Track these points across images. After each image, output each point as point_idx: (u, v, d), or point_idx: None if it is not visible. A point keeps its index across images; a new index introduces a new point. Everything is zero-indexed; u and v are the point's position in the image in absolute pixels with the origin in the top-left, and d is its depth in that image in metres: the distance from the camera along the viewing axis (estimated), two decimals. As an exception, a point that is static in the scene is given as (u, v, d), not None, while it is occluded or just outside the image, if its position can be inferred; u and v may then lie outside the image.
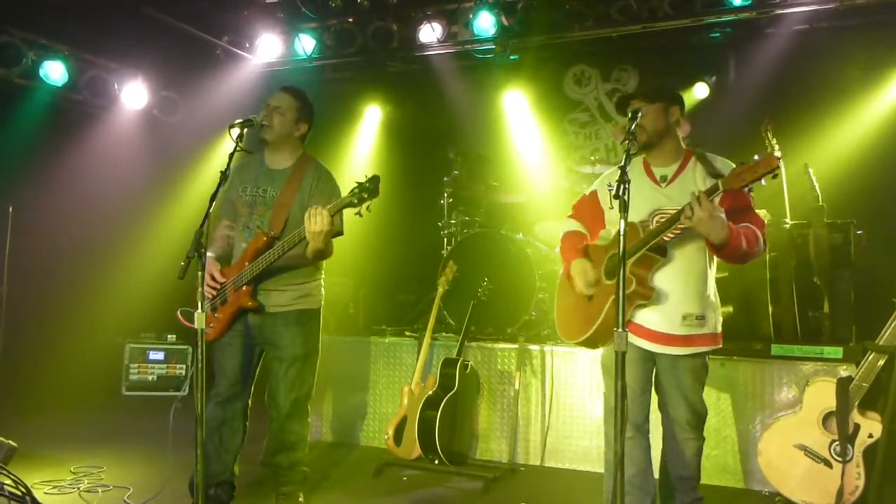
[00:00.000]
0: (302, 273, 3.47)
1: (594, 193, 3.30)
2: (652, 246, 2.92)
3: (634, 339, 3.05)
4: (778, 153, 4.61)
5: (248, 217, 3.48)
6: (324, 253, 3.35)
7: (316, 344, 3.57)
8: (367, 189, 3.11)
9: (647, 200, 3.04)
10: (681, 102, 3.16)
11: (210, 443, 3.39)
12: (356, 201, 3.12)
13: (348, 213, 3.27)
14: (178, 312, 3.47)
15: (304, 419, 3.57)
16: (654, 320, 3.04)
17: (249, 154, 3.45)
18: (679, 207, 2.93)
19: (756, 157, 2.70)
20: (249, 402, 3.58)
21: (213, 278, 3.42)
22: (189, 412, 3.08)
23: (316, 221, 3.12)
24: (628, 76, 6.79)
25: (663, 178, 3.09)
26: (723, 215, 2.80)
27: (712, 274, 3.13)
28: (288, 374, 3.46)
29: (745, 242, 2.87)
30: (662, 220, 2.96)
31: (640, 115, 2.79)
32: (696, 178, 3.05)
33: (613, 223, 3.13)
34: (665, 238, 2.93)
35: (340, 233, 3.41)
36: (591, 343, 3.17)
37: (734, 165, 3.04)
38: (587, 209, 3.33)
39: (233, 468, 3.55)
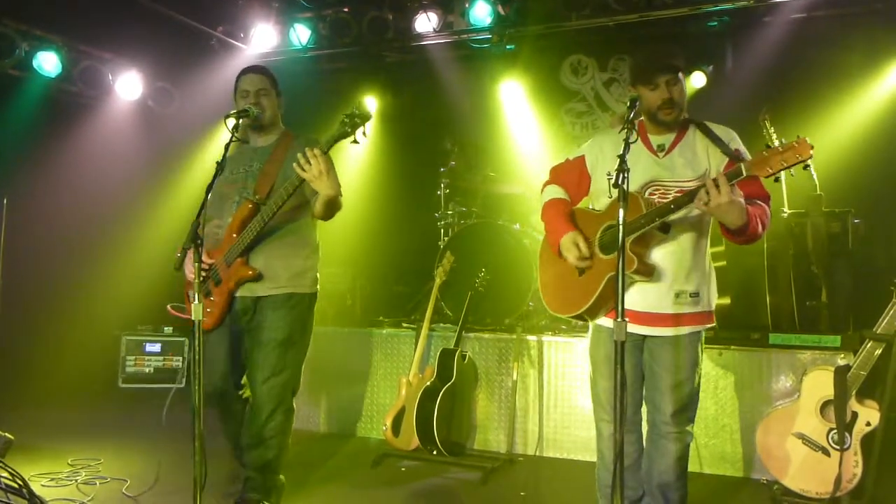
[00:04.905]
0: (295, 253, 3.36)
1: (581, 159, 3.04)
2: (657, 224, 2.73)
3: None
4: (777, 140, 4.59)
5: (234, 192, 3.35)
6: (335, 203, 3.20)
7: (303, 332, 3.38)
8: (356, 115, 3.00)
9: (643, 171, 2.85)
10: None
11: (241, 437, 3.36)
12: (349, 130, 3.01)
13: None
14: (169, 307, 3.39)
15: (283, 412, 3.31)
16: (643, 299, 2.83)
17: (244, 144, 3.42)
18: (677, 179, 2.79)
19: (779, 141, 2.48)
20: (243, 381, 3.43)
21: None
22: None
23: (311, 164, 3.00)
24: (625, 66, 6.76)
25: (661, 148, 2.88)
26: (742, 200, 2.60)
27: (707, 246, 2.93)
28: (267, 360, 3.26)
29: (760, 226, 2.71)
30: (657, 192, 2.81)
31: (638, 104, 2.63)
32: (696, 147, 2.86)
33: (601, 193, 2.96)
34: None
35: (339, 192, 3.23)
36: (580, 318, 3.02)
37: (734, 133, 2.87)
38: (573, 174, 3.08)
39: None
